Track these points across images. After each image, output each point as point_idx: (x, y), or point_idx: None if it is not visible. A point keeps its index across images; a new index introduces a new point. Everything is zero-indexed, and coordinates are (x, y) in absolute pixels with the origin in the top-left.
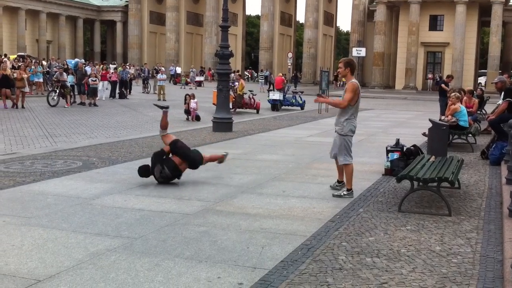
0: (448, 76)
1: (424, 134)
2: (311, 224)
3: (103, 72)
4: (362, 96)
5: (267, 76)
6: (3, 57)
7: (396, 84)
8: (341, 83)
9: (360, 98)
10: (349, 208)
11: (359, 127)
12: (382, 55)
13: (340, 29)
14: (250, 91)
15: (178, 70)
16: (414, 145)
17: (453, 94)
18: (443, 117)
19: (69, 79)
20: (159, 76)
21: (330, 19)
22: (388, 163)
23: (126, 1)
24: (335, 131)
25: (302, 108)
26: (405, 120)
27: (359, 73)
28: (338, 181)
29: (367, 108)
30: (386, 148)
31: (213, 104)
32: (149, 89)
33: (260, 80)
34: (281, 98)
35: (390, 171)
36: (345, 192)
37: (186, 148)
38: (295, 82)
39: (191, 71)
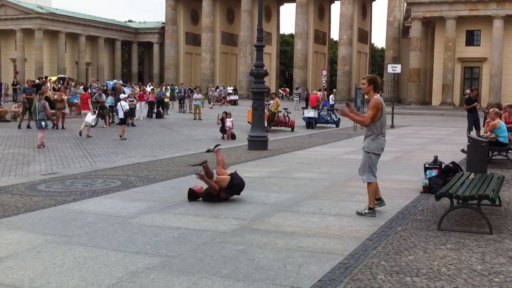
0: (472, 90)
1: (463, 150)
2: (348, 242)
3: (140, 93)
4: (398, 112)
5: (300, 93)
6: (44, 79)
7: (433, 100)
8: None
9: (385, 114)
10: (387, 227)
11: (395, 144)
12: (418, 71)
13: (375, 45)
14: (285, 109)
15: (229, 89)
16: (452, 162)
17: (492, 109)
18: (482, 133)
19: (109, 100)
20: (194, 95)
21: (364, 36)
22: (426, 181)
23: (163, 23)
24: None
25: (337, 126)
26: (442, 137)
27: (394, 89)
28: (376, 199)
29: (403, 124)
30: (424, 165)
31: (248, 122)
32: (185, 109)
33: (295, 98)
34: (316, 115)
35: (428, 189)
36: (366, 211)
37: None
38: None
39: (210, 89)
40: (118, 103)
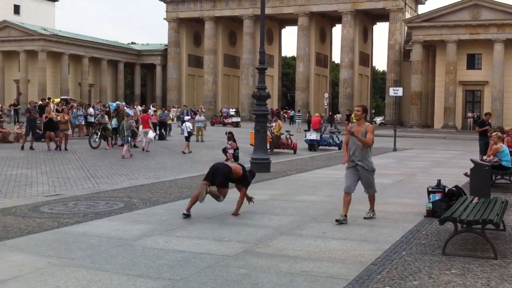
0: (486, 114)
1: (466, 174)
2: (352, 267)
3: (144, 114)
4: (400, 135)
5: (293, 116)
6: (47, 100)
7: (435, 123)
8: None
9: None
10: (391, 251)
11: (397, 167)
12: (420, 94)
13: (376, 68)
14: (287, 131)
15: (231, 111)
16: (456, 186)
17: (494, 133)
18: (485, 157)
19: (113, 123)
20: (197, 117)
21: (365, 59)
22: (430, 205)
23: (165, 45)
24: (359, 166)
25: (340, 148)
26: (445, 160)
27: (396, 112)
28: (345, 215)
29: (405, 147)
30: (428, 189)
31: (250, 144)
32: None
33: (297, 120)
34: (318, 138)
35: (432, 213)
36: (372, 214)
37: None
38: (331, 122)
39: (185, 110)
40: (183, 124)
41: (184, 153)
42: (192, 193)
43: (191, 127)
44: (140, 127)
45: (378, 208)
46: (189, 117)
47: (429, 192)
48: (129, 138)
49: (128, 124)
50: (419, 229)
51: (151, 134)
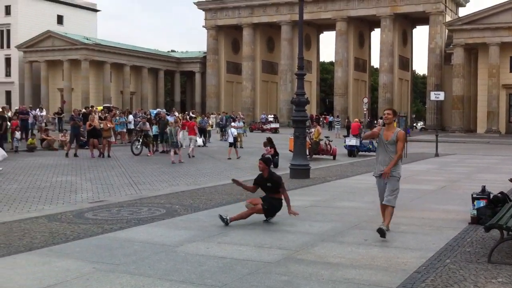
0: None
1: (511, 180)
2: (395, 275)
3: (183, 121)
4: (442, 140)
5: (332, 122)
6: (90, 108)
7: (478, 127)
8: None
9: None
10: (435, 259)
11: (440, 172)
12: (462, 98)
13: (416, 72)
14: (327, 137)
15: (270, 117)
16: (501, 192)
17: None
18: None
19: (154, 130)
20: (236, 123)
21: (405, 63)
22: (475, 211)
23: (204, 53)
24: (389, 176)
25: None
26: (489, 165)
27: (437, 117)
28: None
29: (448, 153)
30: (472, 195)
31: (290, 150)
32: (227, 137)
33: (336, 125)
34: (358, 143)
35: (476, 220)
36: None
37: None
38: (371, 127)
39: (224, 117)
40: (229, 130)
41: (238, 157)
42: (245, 198)
43: (236, 133)
44: (181, 133)
45: (421, 215)
46: (235, 124)
47: (473, 199)
48: (178, 144)
49: (175, 130)
50: (463, 237)
51: (199, 140)
